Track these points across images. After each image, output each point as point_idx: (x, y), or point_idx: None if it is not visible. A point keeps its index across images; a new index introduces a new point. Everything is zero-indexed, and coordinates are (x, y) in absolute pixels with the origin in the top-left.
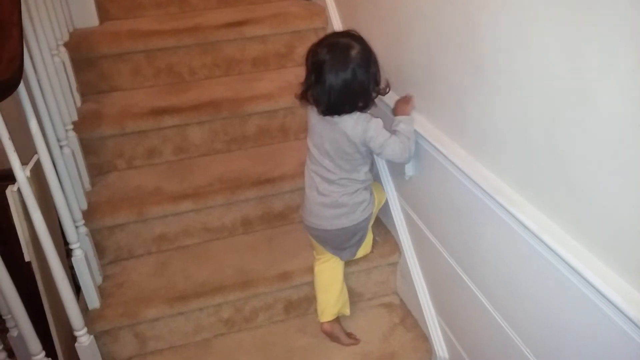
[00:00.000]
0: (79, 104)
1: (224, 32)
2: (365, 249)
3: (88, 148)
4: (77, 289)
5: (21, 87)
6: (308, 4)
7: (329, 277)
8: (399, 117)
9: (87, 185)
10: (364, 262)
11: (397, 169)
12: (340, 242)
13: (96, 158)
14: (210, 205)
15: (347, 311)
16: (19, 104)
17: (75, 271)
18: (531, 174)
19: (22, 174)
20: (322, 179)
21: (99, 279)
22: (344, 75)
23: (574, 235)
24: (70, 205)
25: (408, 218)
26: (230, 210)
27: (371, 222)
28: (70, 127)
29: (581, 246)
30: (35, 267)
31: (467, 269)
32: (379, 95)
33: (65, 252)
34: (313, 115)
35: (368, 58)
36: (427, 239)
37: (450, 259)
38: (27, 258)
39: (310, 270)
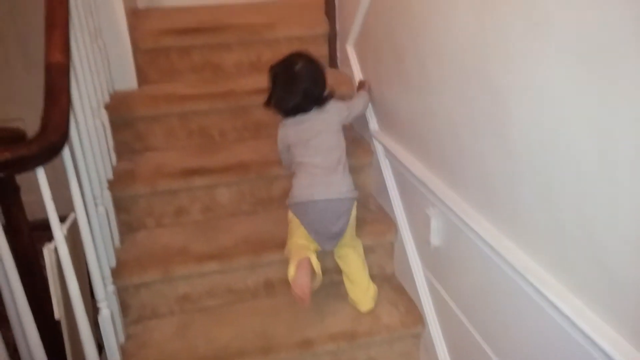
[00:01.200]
0: (114, 162)
1: (254, 97)
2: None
3: (120, 206)
4: (99, 346)
5: (65, 149)
6: (336, 72)
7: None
8: (359, 92)
9: (117, 243)
10: (386, 331)
11: (422, 237)
12: (326, 223)
13: (127, 216)
14: (235, 267)
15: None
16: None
17: (100, 329)
18: (562, 255)
19: (60, 234)
20: (315, 167)
21: (122, 338)
22: (314, 74)
23: (614, 326)
24: (100, 264)
25: (432, 289)
26: (254, 272)
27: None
28: (106, 185)
29: (622, 338)
30: (63, 325)
31: (495, 348)
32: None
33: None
34: (295, 127)
35: (314, 66)
36: (452, 312)
37: (477, 334)
38: (57, 316)
39: (332, 337)
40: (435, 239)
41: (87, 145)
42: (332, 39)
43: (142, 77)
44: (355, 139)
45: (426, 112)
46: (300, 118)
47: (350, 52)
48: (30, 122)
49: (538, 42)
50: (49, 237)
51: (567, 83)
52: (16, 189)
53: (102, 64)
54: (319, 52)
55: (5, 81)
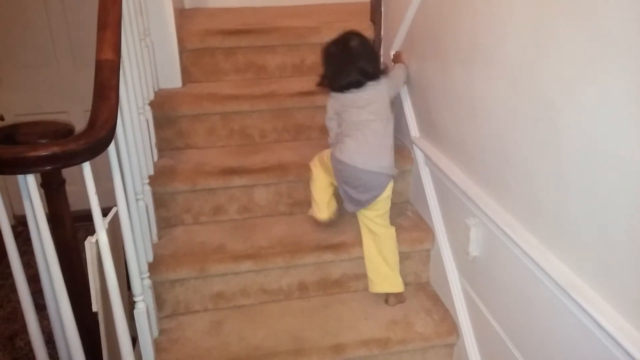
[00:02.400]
0: (156, 158)
1: (296, 99)
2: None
3: (159, 201)
4: (132, 339)
5: (111, 145)
6: None
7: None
8: (396, 64)
9: (155, 238)
10: (420, 340)
11: (460, 246)
12: (358, 189)
13: (165, 211)
14: (270, 267)
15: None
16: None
17: (135, 322)
18: (610, 272)
19: (102, 228)
20: (366, 136)
21: (156, 333)
22: (369, 51)
23: None
24: (139, 258)
25: (469, 299)
26: (288, 273)
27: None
28: (147, 181)
29: None
30: (100, 318)
31: None
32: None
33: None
34: (349, 97)
35: (366, 42)
36: (489, 324)
37: (514, 348)
38: (94, 308)
39: (364, 343)
40: (474, 249)
41: (132, 141)
42: (376, 44)
43: (187, 76)
44: (395, 145)
45: (471, 121)
46: (354, 90)
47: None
48: (74, 114)
49: (596, 58)
50: (88, 228)
51: (622, 99)
52: (62, 182)
53: (149, 62)
54: None
55: (54, 77)
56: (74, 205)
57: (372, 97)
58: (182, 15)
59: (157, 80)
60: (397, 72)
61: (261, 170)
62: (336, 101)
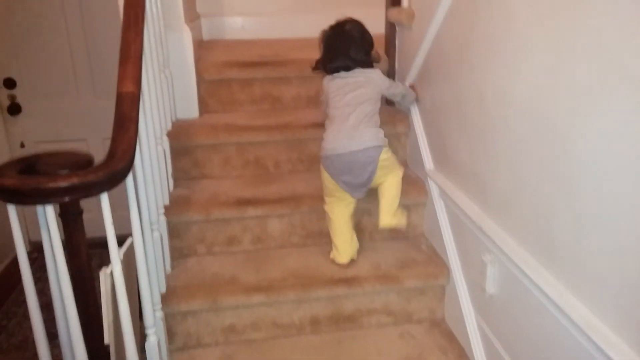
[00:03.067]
0: (171, 188)
1: (310, 130)
2: (395, 217)
3: (173, 231)
4: None
5: (129, 176)
6: (392, 110)
7: (347, 217)
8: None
9: (168, 268)
10: None
11: (476, 283)
12: (353, 173)
13: (179, 241)
14: (282, 300)
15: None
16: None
17: (145, 355)
18: (631, 314)
19: (118, 261)
20: (344, 121)
21: None
22: (362, 35)
23: None
24: (152, 290)
25: (485, 338)
26: (300, 307)
27: (389, 175)
28: (162, 211)
29: None
30: (112, 350)
31: None
32: None
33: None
34: (336, 82)
35: (363, 29)
36: None
37: None
38: (107, 341)
39: None
40: (490, 287)
41: (149, 171)
42: (391, 76)
43: (204, 106)
44: (410, 177)
45: (486, 154)
46: (343, 74)
47: None
48: (93, 142)
49: (611, 94)
50: (101, 254)
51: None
52: (79, 212)
53: (167, 93)
54: None
55: (74, 105)
56: (89, 231)
57: (360, 82)
58: (201, 47)
59: (175, 111)
60: (400, 84)
61: (275, 201)
62: (327, 84)
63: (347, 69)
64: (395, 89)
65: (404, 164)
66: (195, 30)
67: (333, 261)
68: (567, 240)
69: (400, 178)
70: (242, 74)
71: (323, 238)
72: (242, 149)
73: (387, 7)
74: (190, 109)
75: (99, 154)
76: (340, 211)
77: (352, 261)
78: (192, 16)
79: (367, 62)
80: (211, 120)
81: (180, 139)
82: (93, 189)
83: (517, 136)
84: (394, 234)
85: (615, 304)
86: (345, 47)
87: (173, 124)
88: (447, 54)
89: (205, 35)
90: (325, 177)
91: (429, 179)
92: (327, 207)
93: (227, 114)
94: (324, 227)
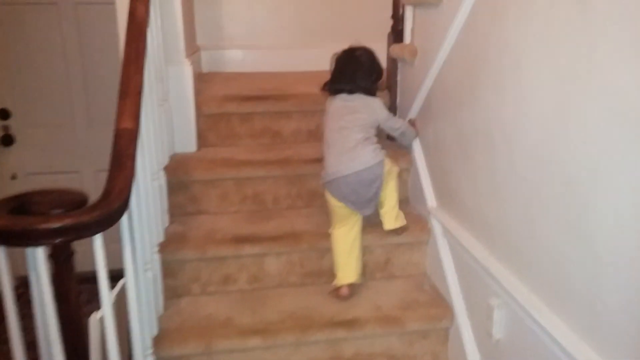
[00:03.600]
0: (167, 224)
1: (310, 166)
2: (398, 219)
3: (167, 269)
4: None
5: (124, 215)
6: (393, 145)
7: (352, 239)
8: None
9: (160, 309)
10: None
11: (482, 327)
12: (360, 192)
13: (173, 280)
14: (279, 344)
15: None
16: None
17: None
18: None
19: (108, 305)
20: (341, 144)
21: None
22: (371, 63)
23: None
24: (143, 334)
25: None
26: (298, 350)
27: (390, 182)
28: (156, 249)
29: None
30: None
31: None
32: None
33: None
34: (335, 104)
35: (374, 59)
36: None
37: None
38: None
39: None
40: (497, 332)
41: (144, 209)
42: (392, 111)
43: (202, 140)
44: (411, 215)
45: (493, 195)
46: (344, 96)
47: None
48: (86, 175)
49: (623, 136)
50: (91, 290)
51: None
52: (70, 254)
53: (166, 127)
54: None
55: (68, 136)
56: (80, 265)
57: (358, 108)
58: (200, 80)
59: (173, 145)
60: (404, 122)
61: (273, 239)
62: (330, 103)
63: (349, 92)
64: (393, 123)
65: (405, 200)
66: (195, 62)
67: (335, 287)
68: (581, 287)
69: (397, 179)
70: (242, 108)
71: (323, 277)
72: (241, 184)
73: (389, 43)
74: (188, 143)
75: (92, 187)
76: (344, 232)
77: (353, 285)
78: (193, 49)
79: (370, 90)
80: (209, 154)
81: (178, 173)
82: (87, 231)
83: (527, 180)
84: (393, 272)
85: (633, 355)
86: (352, 71)
87: (171, 158)
88: (451, 91)
89: (205, 68)
90: (333, 202)
91: (431, 216)
92: (331, 231)
93: (226, 148)
94: (323, 266)
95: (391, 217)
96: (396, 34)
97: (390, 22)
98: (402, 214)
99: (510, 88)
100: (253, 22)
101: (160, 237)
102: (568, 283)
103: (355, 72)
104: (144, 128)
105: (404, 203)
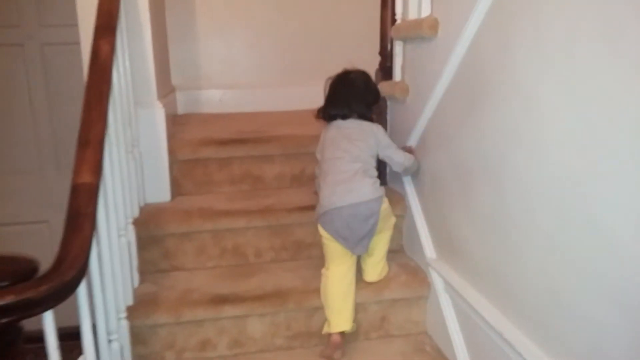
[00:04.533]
0: (136, 284)
1: (295, 214)
2: (383, 271)
3: (137, 337)
4: None
5: (81, 285)
6: (386, 189)
7: (349, 282)
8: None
9: None
10: None
11: None
12: (353, 228)
13: (144, 348)
14: None
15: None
16: None
17: None
18: None
19: None
20: (337, 174)
21: None
22: (366, 86)
23: None
24: None
25: None
26: None
27: (386, 231)
28: (124, 315)
29: None
30: None
31: None
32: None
33: None
34: (330, 131)
35: (369, 82)
36: None
37: None
38: None
39: None
40: None
41: (108, 271)
42: None
43: (177, 188)
44: (408, 266)
45: (505, 251)
46: (339, 122)
47: None
48: (55, 224)
49: None
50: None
51: None
52: (18, 333)
53: (135, 176)
54: None
55: (36, 184)
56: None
57: (355, 134)
58: (176, 122)
59: (144, 194)
60: (406, 155)
61: (256, 298)
62: (323, 135)
63: (344, 117)
64: (393, 154)
65: (400, 249)
66: (170, 104)
67: (327, 335)
68: None
69: (392, 230)
70: (220, 152)
71: (312, 339)
72: (219, 237)
73: (377, 81)
74: (161, 192)
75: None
76: (341, 273)
77: (344, 335)
78: (166, 90)
79: (366, 115)
80: (184, 204)
81: (149, 226)
82: (34, 308)
83: (546, 231)
84: (390, 331)
85: None
86: (346, 95)
87: (141, 209)
88: (450, 131)
89: (181, 109)
90: (326, 237)
91: (430, 268)
92: (324, 271)
93: (203, 196)
94: (312, 327)
95: (376, 269)
96: (385, 71)
97: (378, 59)
98: (386, 265)
99: (522, 131)
100: (231, 60)
101: (128, 300)
102: (609, 358)
103: (350, 96)
104: (109, 180)
105: (399, 253)
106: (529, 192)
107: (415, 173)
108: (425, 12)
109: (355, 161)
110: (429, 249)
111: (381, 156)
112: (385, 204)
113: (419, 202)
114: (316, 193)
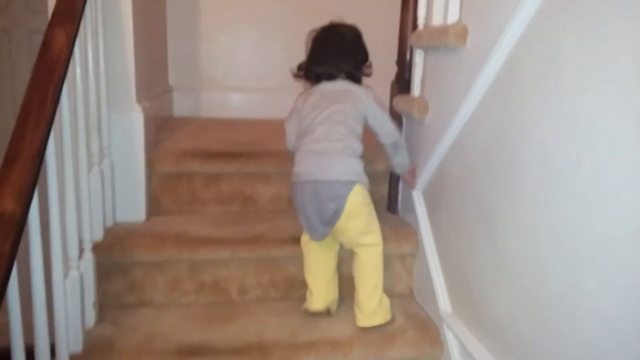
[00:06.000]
0: (91, 323)
1: (289, 247)
2: (385, 314)
3: None
4: None
5: None
6: (394, 220)
7: (334, 268)
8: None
9: None
10: None
11: None
12: (316, 208)
13: None
14: None
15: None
16: None
17: None
18: None
19: None
20: (314, 141)
21: None
22: (356, 41)
23: None
24: None
25: None
26: None
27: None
28: None
29: None
30: None
31: None
32: None
33: None
34: (313, 96)
35: (360, 38)
36: None
37: None
38: None
39: None
40: None
41: (42, 318)
42: (393, 178)
43: (154, 206)
44: (417, 317)
45: (537, 312)
46: (324, 85)
47: (417, 198)
48: None
49: None
50: None
51: None
52: None
53: (101, 192)
54: (377, 191)
55: None
56: None
57: (339, 97)
58: (167, 126)
59: (114, 212)
60: (398, 128)
61: (232, 352)
62: (299, 99)
63: (330, 77)
64: (383, 123)
65: (408, 294)
66: (162, 106)
67: (306, 311)
68: None
69: (380, 255)
70: (208, 166)
71: None
72: (197, 268)
73: (392, 94)
74: (135, 210)
75: None
76: (319, 251)
77: (329, 313)
78: (157, 91)
79: (355, 76)
80: (160, 226)
81: (114, 252)
82: None
83: (588, 295)
84: None
85: None
86: (334, 51)
87: (108, 230)
88: (477, 161)
89: (178, 112)
90: (308, 253)
91: (444, 325)
92: (303, 245)
93: (184, 217)
94: None
95: (367, 306)
96: (402, 84)
97: (394, 69)
98: (387, 304)
99: (568, 168)
100: (236, 61)
101: (77, 345)
102: None
103: (338, 52)
104: (54, 202)
105: (408, 298)
106: (573, 244)
107: (402, 165)
108: (453, 17)
109: (338, 126)
110: (443, 300)
111: (370, 124)
112: (362, 198)
113: (434, 240)
114: None
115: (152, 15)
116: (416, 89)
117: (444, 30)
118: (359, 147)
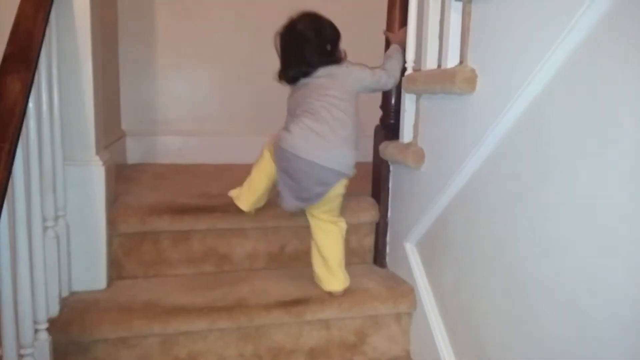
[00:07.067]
0: None
1: (275, 312)
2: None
3: None
4: None
5: None
6: (390, 277)
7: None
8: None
9: None
10: None
11: None
12: (304, 185)
13: None
14: None
15: None
16: None
17: None
18: None
19: None
20: (315, 123)
21: None
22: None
23: None
24: None
25: None
26: None
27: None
28: None
29: None
30: None
31: None
32: None
33: None
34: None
35: (320, 27)
36: None
37: None
38: None
39: None
40: None
41: None
42: (380, 229)
43: (116, 270)
44: None
45: None
46: (304, 81)
47: (411, 252)
48: None
49: None
50: None
51: None
52: None
53: (55, 259)
54: (362, 243)
55: None
56: None
57: (324, 84)
58: (122, 176)
59: (70, 281)
60: (389, 64)
61: None
62: (289, 98)
63: (305, 74)
64: (379, 78)
65: (405, 357)
66: (117, 153)
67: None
68: None
69: (343, 236)
70: (177, 223)
71: None
72: (170, 342)
73: (377, 140)
74: (94, 277)
75: None
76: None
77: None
78: (112, 138)
79: (328, 60)
80: (125, 294)
81: (71, 330)
82: None
83: None
84: None
85: None
86: (299, 52)
87: (64, 302)
88: (489, 213)
89: (132, 158)
90: (269, 164)
91: None
92: (265, 149)
93: (151, 281)
94: None
95: (337, 273)
96: (387, 129)
97: (378, 113)
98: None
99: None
100: (194, 102)
101: None
102: None
103: (303, 52)
104: (7, 283)
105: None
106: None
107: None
108: (453, 60)
109: (337, 111)
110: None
111: (370, 88)
112: (342, 187)
113: (434, 297)
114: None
115: (107, 56)
116: (406, 135)
117: (450, 74)
118: (355, 135)
